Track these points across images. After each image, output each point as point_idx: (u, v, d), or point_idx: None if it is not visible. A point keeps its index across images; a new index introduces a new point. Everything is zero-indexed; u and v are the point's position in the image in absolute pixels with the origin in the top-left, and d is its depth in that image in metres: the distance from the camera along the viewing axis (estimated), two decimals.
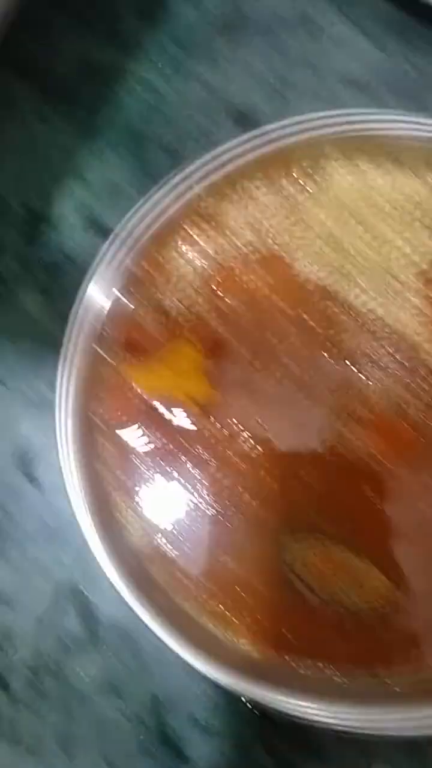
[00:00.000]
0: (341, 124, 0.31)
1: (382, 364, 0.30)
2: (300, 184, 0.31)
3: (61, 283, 0.34)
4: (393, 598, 0.28)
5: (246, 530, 0.30)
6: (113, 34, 0.36)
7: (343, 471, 0.29)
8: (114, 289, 0.31)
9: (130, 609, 0.29)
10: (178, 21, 0.36)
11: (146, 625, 0.29)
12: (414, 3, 0.33)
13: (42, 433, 0.34)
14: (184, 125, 0.35)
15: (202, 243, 0.31)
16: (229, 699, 0.31)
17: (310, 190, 0.31)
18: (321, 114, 0.31)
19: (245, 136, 0.31)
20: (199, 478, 0.30)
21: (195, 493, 0.30)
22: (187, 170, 0.31)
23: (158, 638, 0.29)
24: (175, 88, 0.35)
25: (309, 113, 0.31)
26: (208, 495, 0.30)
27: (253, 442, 0.30)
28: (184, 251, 0.32)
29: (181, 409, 0.31)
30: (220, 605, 0.30)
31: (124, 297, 0.31)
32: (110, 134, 0.35)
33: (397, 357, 0.30)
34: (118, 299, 0.31)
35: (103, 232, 0.34)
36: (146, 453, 0.31)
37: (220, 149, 0.31)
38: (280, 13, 0.35)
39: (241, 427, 0.30)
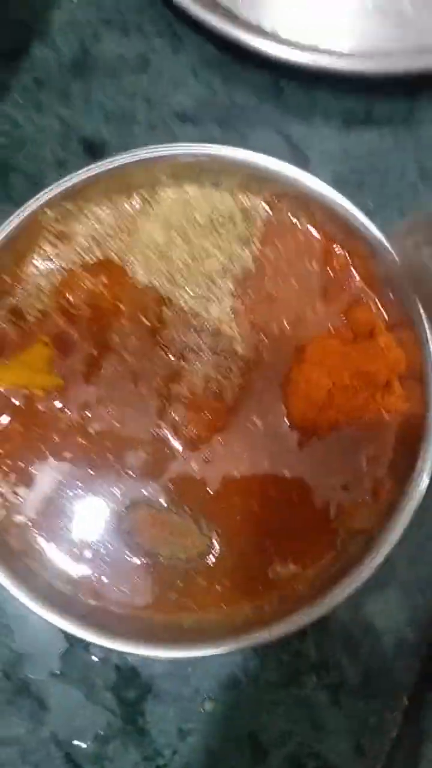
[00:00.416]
0: (173, 154, 0.36)
1: (202, 355, 0.35)
2: (137, 205, 0.37)
3: None
4: (208, 552, 0.33)
5: (92, 503, 0.34)
6: None
7: (169, 446, 0.34)
8: None
9: None
10: (37, 63, 0.41)
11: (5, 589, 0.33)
12: (234, 48, 0.39)
13: None
14: (44, 155, 0.40)
15: (53, 256, 0.36)
16: (82, 652, 0.35)
17: (145, 211, 0.37)
18: (156, 146, 0.36)
19: (92, 166, 0.36)
20: (53, 459, 0.35)
21: (49, 473, 0.35)
22: (41, 195, 0.36)
23: (16, 599, 0.33)
24: (36, 123, 0.40)
25: (146, 146, 0.36)
26: (60, 473, 0.35)
27: (98, 426, 0.35)
28: (38, 264, 0.36)
29: (37, 402, 0.35)
30: (71, 569, 0.34)
31: None
32: None
33: (215, 348, 0.35)
34: None
35: None
36: (6, 441, 0.35)
37: (69, 177, 0.36)
38: (125, 56, 0.41)
39: (89, 414, 0.35)
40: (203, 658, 0.32)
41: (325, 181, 0.37)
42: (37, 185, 0.40)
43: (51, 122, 0.40)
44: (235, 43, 0.39)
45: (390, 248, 0.34)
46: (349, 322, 0.34)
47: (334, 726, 0.34)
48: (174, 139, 0.39)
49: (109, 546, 0.34)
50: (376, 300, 0.35)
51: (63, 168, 0.40)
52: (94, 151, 0.40)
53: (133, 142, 0.40)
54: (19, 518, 0.35)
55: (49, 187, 0.36)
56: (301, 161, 0.39)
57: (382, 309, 0.35)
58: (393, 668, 0.34)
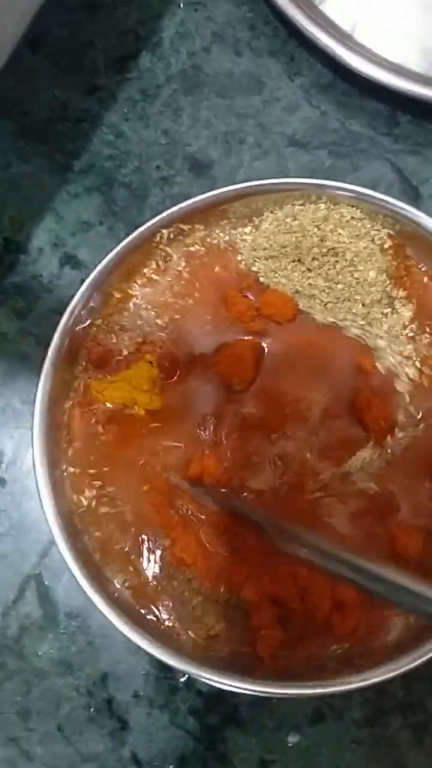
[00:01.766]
0: (277, 188, 0.36)
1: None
2: (240, 229, 0.36)
3: (36, 309, 0.38)
4: None
5: (181, 528, 0.34)
6: (90, 84, 0.40)
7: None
8: (87, 316, 0.35)
9: (87, 598, 0.33)
10: (147, 76, 0.40)
11: (100, 611, 0.32)
12: (350, 74, 0.38)
13: (14, 441, 0.38)
14: (148, 170, 0.40)
15: (159, 279, 0.36)
16: (165, 675, 0.36)
17: (248, 234, 0.36)
18: (263, 181, 0.36)
19: (214, 192, 0.35)
20: (147, 485, 0.35)
21: (142, 494, 0.35)
22: (157, 220, 0.35)
23: (110, 622, 0.33)
24: (142, 137, 0.40)
25: (255, 180, 0.36)
26: (158, 507, 0.35)
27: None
28: (146, 285, 0.36)
29: (135, 419, 0.35)
30: (161, 599, 0.34)
31: (96, 323, 0.35)
32: (84, 177, 0.39)
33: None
34: (90, 325, 0.35)
35: (74, 264, 0.39)
36: (106, 457, 0.35)
37: (191, 201, 0.35)
38: (236, 75, 0.40)
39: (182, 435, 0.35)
40: None
41: None
42: (140, 200, 0.40)
43: (157, 137, 0.40)
44: (351, 70, 0.38)
45: None
46: None
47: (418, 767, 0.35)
48: (283, 163, 0.39)
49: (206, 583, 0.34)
50: None
51: (167, 184, 0.39)
52: (200, 170, 0.39)
53: (240, 165, 0.39)
54: (118, 540, 0.35)
55: (170, 209, 0.35)
56: (412, 195, 0.38)
57: None
58: None
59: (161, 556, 0.34)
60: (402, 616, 0.34)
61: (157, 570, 0.34)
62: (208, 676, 0.32)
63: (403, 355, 0.35)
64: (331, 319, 0.35)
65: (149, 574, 0.34)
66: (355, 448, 0.35)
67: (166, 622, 0.34)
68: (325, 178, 0.37)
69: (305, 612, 0.33)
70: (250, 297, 0.36)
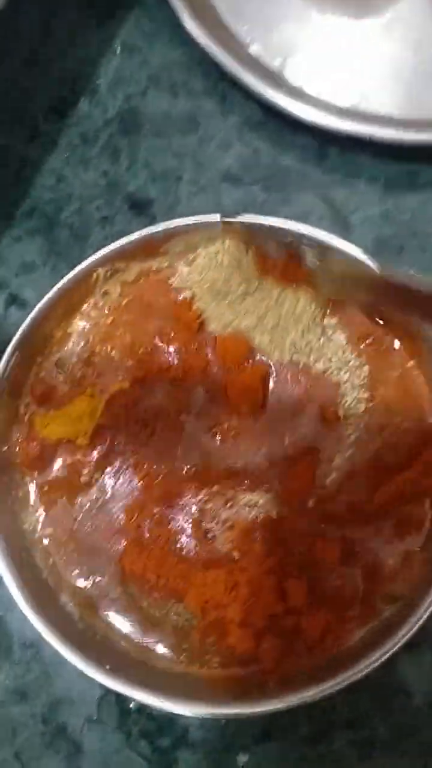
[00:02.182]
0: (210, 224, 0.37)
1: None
2: (176, 264, 0.38)
3: None
4: None
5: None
6: (31, 131, 0.42)
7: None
8: (28, 354, 0.37)
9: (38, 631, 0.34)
10: (85, 121, 0.42)
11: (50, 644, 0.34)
12: (279, 114, 0.40)
13: None
14: (89, 211, 0.41)
15: (97, 315, 0.38)
16: (118, 698, 0.37)
17: (184, 269, 0.38)
18: (195, 218, 0.36)
19: (148, 229, 0.36)
20: (91, 510, 0.36)
21: (91, 526, 0.36)
22: (97, 256, 0.37)
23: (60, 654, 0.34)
24: (82, 179, 0.41)
25: (189, 216, 0.36)
26: (102, 526, 0.36)
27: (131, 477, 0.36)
28: (85, 321, 0.38)
29: (78, 452, 0.37)
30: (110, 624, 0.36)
31: (36, 362, 0.37)
32: (26, 220, 0.41)
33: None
34: (32, 363, 0.37)
35: (20, 304, 0.41)
36: (51, 490, 0.37)
37: (127, 238, 0.37)
38: (173, 116, 0.42)
39: (122, 465, 0.36)
40: None
41: (365, 246, 0.38)
42: (81, 240, 0.41)
43: (97, 179, 0.42)
44: (278, 108, 0.40)
45: None
46: None
47: None
48: (218, 199, 0.40)
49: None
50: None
51: (108, 224, 0.41)
52: (140, 208, 0.41)
53: (178, 202, 0.41)
54: (65, 573, 0.36)
55: (105, 248, 0.37)
56: (343, 225, 0.40)
57: None
58: (423, 728, 0.35)
59: (115, 582, 0.36)
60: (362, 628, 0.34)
61: (111, 594, 0.36)
62: (154, 702, 0.33)
63: (357, 384, 0.36)
64: (287, 358, 0.36)
65: (103, 597, 0.36)
66: (249, 487, 0.36)
67: (122, 644, 0.35)
68: (258, 213, 0.39)
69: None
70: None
